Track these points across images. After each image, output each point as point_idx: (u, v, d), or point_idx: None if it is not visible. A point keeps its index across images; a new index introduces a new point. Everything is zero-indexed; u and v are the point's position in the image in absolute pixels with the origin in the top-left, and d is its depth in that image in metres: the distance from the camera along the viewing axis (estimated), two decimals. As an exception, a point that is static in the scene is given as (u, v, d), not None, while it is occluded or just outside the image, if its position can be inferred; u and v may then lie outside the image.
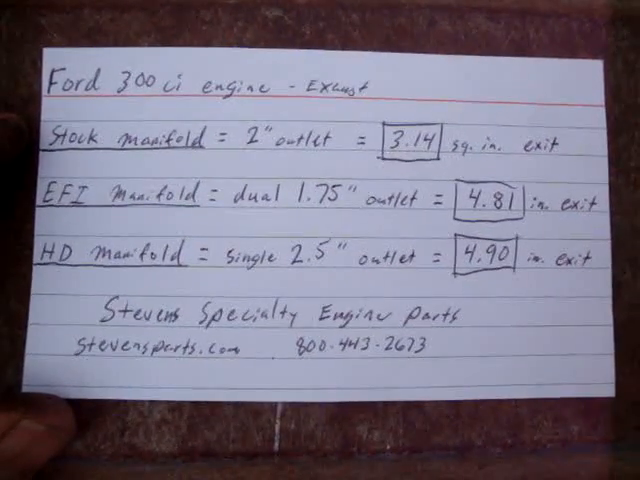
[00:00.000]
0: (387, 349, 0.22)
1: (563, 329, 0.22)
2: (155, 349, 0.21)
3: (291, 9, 0.23)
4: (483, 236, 0.22)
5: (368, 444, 0.22)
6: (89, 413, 0.21)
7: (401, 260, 0.22)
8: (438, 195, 0.22)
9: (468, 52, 0.23)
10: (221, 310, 0.22)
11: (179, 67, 0.22)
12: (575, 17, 0.23)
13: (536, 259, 0.22)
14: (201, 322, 0.22)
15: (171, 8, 0.22)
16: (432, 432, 0.22)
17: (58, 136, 0.22)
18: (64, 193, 0.22)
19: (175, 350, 0.21)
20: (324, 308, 0.22)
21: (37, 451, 0.19)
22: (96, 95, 0.22)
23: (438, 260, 0.22)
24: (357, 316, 0.22)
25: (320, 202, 0.22)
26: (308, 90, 0.22)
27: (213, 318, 0.22)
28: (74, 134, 0.22)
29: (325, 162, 0.22)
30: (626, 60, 0.23)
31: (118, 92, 0.22)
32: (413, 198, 0.22)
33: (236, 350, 0.22)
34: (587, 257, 0.22)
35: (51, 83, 0.22)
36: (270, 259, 0.22)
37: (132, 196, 0.22)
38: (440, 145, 0.22)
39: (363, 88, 0.22)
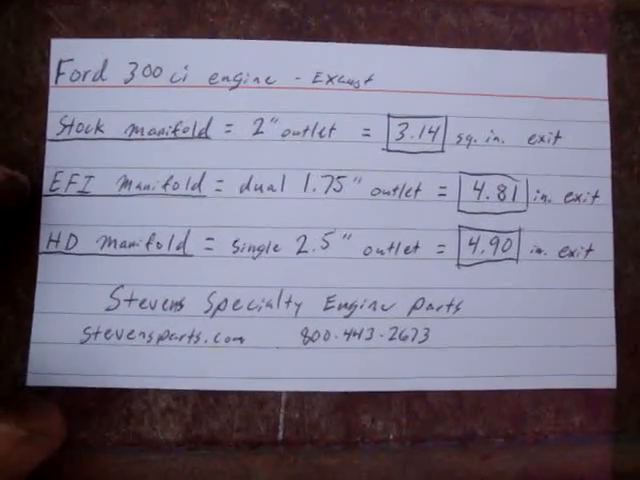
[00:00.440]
0: (391, 339, 0.22)
1: (565, 321, 0.22)
2: (160, 338, 0.22)
3: (297, 2, 0.23)
4: (487, 228, 0.23)
5: (371, 434, 0.22)
6: (94, 401, 0.21)
7: (405, 251, 0.22)
8: (442, 187, 0.22)
9: (472, 45, 0.23)
10: (226, 300, 0.22)
11: (186, 58, 0.22)
12: (579, 11, 0.23)
13: (539, 251, 0.22)
14: (206, 311, 0.22)
15: (178, 0, 0.23)
16: (435, 422, 0.22)
17: (65, 126, 0.22)
18: (71, 182, 0.22)
19: (180, 339, 0.22)
20: (329, 298, 0.22)
21: (19, 459, 0.17)
22: (103, 86, 0.22)
23: (442, 251, 0.22)
24: (361, 306, 0.22)
25: (325, 193, 0.22)
26: (314, 82, 0.22)
27: (218, 307, 0.22)
28: (81, 124, 0.22)
29: (330, 153, 0.22)
30: (629, 54, 0.23)
31: (125, 83, 0.22)
32: (417, 190, 0.22)
33: (241, 340, 0.22)
34: (589, 250, 0.23)
35: (58, 74, 0.22)
36: (275, 249, 0.22)
37: (138, 186, 0.22)
38: (445, 137, 0.23)
39: (368, 80, 0.23)
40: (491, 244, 0.22)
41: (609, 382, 0.22)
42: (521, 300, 0.22)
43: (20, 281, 0.22)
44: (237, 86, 0.22)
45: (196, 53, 0.22)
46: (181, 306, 0.22)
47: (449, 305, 0.22)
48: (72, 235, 0.22)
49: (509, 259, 0.22)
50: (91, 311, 0.22)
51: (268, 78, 0.22)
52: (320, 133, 0.22)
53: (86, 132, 0.22)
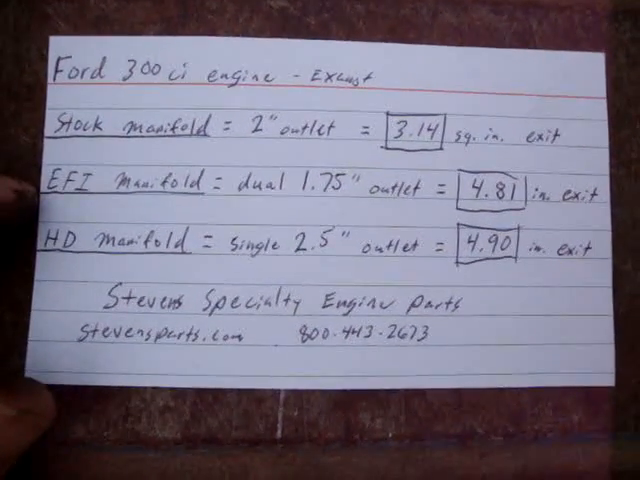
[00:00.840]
0: (390, 337, 0.22)
1: (564, 319, 0.22)
2: (158, 336, 0.22)
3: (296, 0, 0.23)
4: (485, 226, 0.23)
5: (370, 432, 0.22)
6: (92, 399, 0.21)
7: (404, 249, 0.22)
8: (441, 185, 0.22)
9: (471, 43, 0.23)
10: (225, 297, 0.22)
11: (184, 56, 0.22)
12: (577, 10, 0.23)
13: (537, 249, 0.22)
14: (205, 309, 0.22)
15: (177, -3, 0.23)
16: (434, 420, 0.22)
17: (63, 123, 0.22)
18: (69, 180, 0.22)
19: (178, 337, 0.22)
20: (327, 296, 0.22)
21: (8, 439, 0.17)
22: (101, 83, 0.22)
23: (441, 249, 0.22)
24: (360, 304, 0.22)
25: (324, 191, 0.22)
26: (313, 80, 0.22)
27: (217, 305, 0.22)
28: (79, 122, 0.22)
29: (329, 151, 0.22)
30: (628, 53, 0.23)
31: (123, 80, 0.22)
32: (416, 187, 0.22)
33: (239, 337, 0.22)
34: (588, 247, 0.23)
35: (57, 71, 0.22)
36: (274, 247, 0.22)
37: (137, 183, 0.22)
38: (443, 135, 0.23)
39: (367, 78, 0.23)
40: (490, 242, 0.22)
41: (608, 380, 0.22)
42: (520, 298, 0.22)
43: (18, 279, 0.22)
44: (236, 84, 0.22)
45: (195, 51, 0.22)
46: (179, 304, 0.22)
47: (448, 303, 0.22)
48: (70, 233, 0.22)
49: (508, 257, 0.22)
50: (89, 309, 0.22)
51: (267, 76, 0.22)
52: (319, 131, 0.22)
53: (84, 129, 0.22)
